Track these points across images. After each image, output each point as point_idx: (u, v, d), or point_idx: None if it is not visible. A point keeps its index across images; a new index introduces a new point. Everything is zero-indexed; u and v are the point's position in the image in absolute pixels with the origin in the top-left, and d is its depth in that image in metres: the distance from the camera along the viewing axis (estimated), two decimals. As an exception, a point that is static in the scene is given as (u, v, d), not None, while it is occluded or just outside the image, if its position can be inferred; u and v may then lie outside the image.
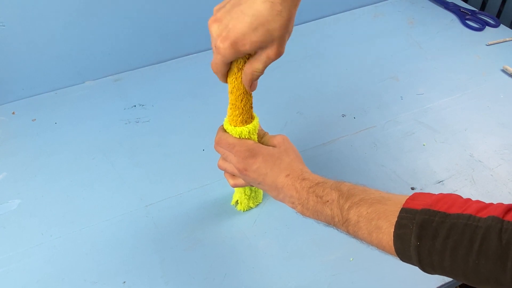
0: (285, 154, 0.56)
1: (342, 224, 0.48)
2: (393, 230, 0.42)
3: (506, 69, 0.94)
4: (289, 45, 1.14)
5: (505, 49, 1.01)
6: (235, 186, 0.61)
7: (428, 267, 0.42)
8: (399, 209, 0.43)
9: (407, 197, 0.44)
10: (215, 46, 0.46)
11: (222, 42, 0.45)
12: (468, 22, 1.09)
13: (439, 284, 0.59)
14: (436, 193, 0.43)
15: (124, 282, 0.60)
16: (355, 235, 0.48)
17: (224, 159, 0.59)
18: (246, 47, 0.45)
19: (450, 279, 0.60)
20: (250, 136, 0.57)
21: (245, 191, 0.65)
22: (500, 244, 0.36)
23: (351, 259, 0.62)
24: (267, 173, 0.54)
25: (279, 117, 0.85)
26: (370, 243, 0.46)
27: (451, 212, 0.40)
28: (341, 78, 0.95)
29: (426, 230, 0.40)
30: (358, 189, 0.48)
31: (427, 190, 0.71)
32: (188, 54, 1.01)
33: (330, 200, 0.49)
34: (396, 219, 0.42)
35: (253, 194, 0.67)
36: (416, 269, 0.61)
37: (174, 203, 0.70)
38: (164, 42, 0.98)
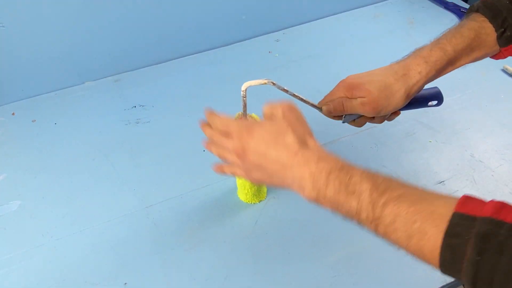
0: (292, 127, 0.46)
1: (371, 222, 0.41)
2: (441, 237, 0.36)
3: (506, 69, 0.94)
4: (289, 45, 1.14)
5: (505, 49, 1.00)
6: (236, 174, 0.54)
7: (484, 286, 0.36)
8: (450, 213, 0.37)
9: (456, 199, 0.38)
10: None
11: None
12: (468, 22, 1.09)
13: (440, 284, 0.59)
14: (489, 200, 0.37)
15: (125, 283, 0.60)
16: (385, 236, 0.41)
17: (222, 150, 0.52)
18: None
19: (451, 280, 0.60)
20: None
21: (249, 188, 0.66)
22: None
23: None
24: (268, 150, 0.46)
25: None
26: (406, 248, 0.40)
27: None
28: (341, 78, 0.94)
29: (490, 244, 0.34)
30: (396, 182, 0.42)
31: (428, 190, 0.71)
32: (188, 54, 1.01)
33: (359, 191, 0.41)
34: (446, 224, 0.37)
35: (255, 191, 0.67)
36: (416, 270, 0.61)
37: (175, 204, 0.70)
38: (164, 42, 0.98)
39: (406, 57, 0.57)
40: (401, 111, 0.62)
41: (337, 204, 0.43)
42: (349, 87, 0.57)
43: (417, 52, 0.56)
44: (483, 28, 0.54)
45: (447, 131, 0.81)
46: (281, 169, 0.46)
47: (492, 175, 0.73)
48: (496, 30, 0.53)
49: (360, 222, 0.42)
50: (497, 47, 0.55)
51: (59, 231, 0.67)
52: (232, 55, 1.01)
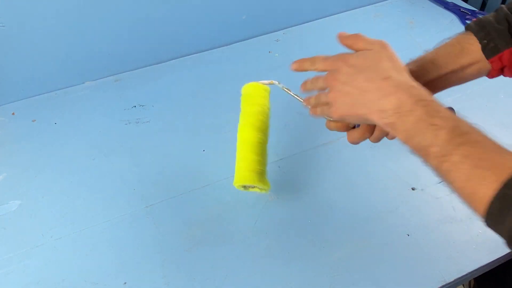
0: (388, 56, 0.48)
1: (437, 157, 0.42)
2: (499, 186, 0.37)
3: (506, 69, 0.94)
4: (289, 45, 1.14)
5: (505, 49, 1.00)
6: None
7: None
8: None
9: None
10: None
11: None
12: (468, 22, 1.09)
13: (440, 284, 0.59)
14: None
15: (125, 283, 0.60)
16: (444, 174, 0.42)
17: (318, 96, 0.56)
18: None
19: (451, 279, 0.60)
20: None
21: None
22: None
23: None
24: (360, 73, 0.47)
25: (279, 117, 0.84)
26: (460, 189, 0.41)
27: None
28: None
29: None
30: (478, 130, 0.43)
31: (428, 190, 0.71)
32: (188, 54, 1.01)
33: (441, 125, 0.42)
34: (507, 176, 0.37)
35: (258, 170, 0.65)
36: (416, 270, 0.61)
37: (175, 204, 0.70)
38: (164, 42, 0.98)
39: None
40: None
41: (412, 132, 0.44)
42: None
43: None
44: (466, 38, 0.57)
45: (447, 131, 0.81)
46: (367, 92, 0.47)
47: (492, 175, 0.73)
48: (480, 42, 0.56)
49: (425, 156, 0.44)
50: (485, 61, 0.57)
51: (59, 231, 0.67)
52: (232, 55, 1.01)
